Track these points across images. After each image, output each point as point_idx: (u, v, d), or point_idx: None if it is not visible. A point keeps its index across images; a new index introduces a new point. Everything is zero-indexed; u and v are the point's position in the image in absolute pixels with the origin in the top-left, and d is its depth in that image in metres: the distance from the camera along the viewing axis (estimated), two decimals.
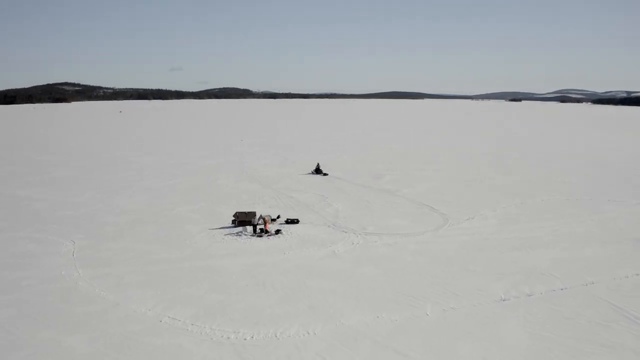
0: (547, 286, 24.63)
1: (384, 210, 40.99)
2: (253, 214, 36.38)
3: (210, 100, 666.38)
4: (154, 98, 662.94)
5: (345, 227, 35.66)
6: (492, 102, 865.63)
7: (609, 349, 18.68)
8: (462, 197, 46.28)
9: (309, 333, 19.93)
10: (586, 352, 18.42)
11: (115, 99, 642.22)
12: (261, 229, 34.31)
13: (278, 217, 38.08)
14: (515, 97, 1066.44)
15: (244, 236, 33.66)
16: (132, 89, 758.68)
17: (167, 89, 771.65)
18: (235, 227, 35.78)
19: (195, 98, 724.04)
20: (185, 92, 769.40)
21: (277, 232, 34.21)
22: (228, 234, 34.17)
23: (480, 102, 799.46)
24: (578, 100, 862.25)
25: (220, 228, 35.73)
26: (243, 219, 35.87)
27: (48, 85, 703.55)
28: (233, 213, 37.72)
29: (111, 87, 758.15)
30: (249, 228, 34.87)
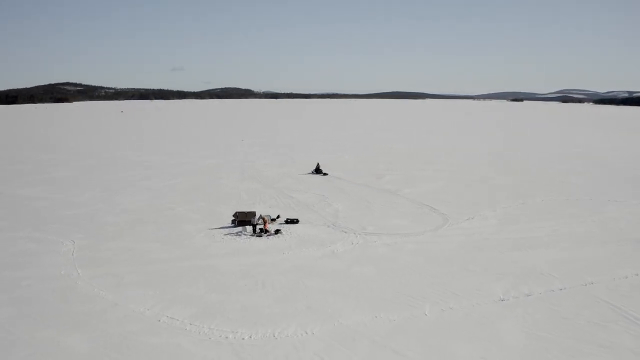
0: (546, 286, 24.61)
1: (384, 210, 40.99)
2: (253, 213, 36.41)
3: (211, 100, 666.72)
4: (156, 98, 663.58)
5: (345, 227, 35.66)
6: (493, 102, 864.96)
7: (607, 349, 18.66)
8: (462, 197, 46.25)
9: (307, 333, 19.94)
10: (584, 352, 18.40)
11: (116, 99, 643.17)
12: (261, 229, 34.34)
13: (278, 217, 38.10)
14: (517, 97, 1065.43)
15: (243, 236, 33.69)
16: (133, 89, 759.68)
17: (169, 89, 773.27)
18: (235, 227, 35.81)
19: (197, 98, 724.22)
20: (187, 92, 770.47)
21: (277, 232, 34.24)
22: (228, 234, 34.21)
23: (481, 102, 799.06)
24: (580, 101, 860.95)
25: (220, 228, 35.77)
26: (243, 219, 35.90)
27: (50, 85, 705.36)
28: (233, 213, 37.76)
29: (113, 87, 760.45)
30: (249, 228, 34.90)
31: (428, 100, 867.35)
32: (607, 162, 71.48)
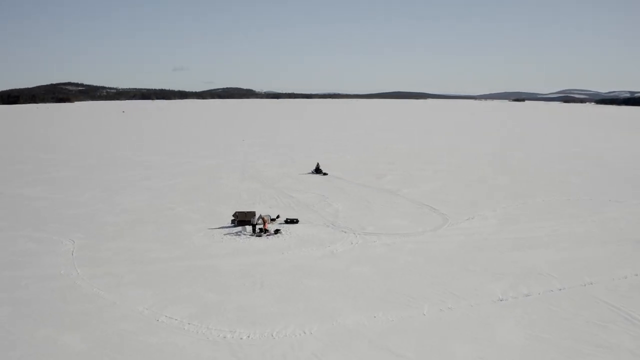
0: (545, 286, 24.57)
1: (384, 210, 40.97)
2: (252, 213, 36.42)
3: (213, 100, 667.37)
4: (157, 98, 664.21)
5: (345, 227, 35.66)
6: (495, 102, 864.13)
7: (606, 349, 18.61)
8: (462, 197, 46.21)
9: (305, 332, 19.94)
10: (583, 353, 18.36)
11: (118, 99, 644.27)
12: (260, 229, 34.35)
13: (277, 216, 38.11)
14: (519, 97, 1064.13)
15: (243, 236, 33.70)
16: (135, 89, 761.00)
17: (171, 89, 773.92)
18: (234, 226, 35.82)
19: (199, 98, 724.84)
20: (189, 92, 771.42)
21: (277, 231, 34.24)
22: (227, 234, 34.22)
23: (483, 102, 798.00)
24: (581, 101, 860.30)
25: (220, 228, 35.79)
26: (242, 219, 35.90)
27: (51, 85, 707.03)
28: (233, 213, 37.77)
29: (114, 87, 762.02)
30: (248, 228, 34.91)
31: (429, 100, 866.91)
32: (607, 162, 71.36)
